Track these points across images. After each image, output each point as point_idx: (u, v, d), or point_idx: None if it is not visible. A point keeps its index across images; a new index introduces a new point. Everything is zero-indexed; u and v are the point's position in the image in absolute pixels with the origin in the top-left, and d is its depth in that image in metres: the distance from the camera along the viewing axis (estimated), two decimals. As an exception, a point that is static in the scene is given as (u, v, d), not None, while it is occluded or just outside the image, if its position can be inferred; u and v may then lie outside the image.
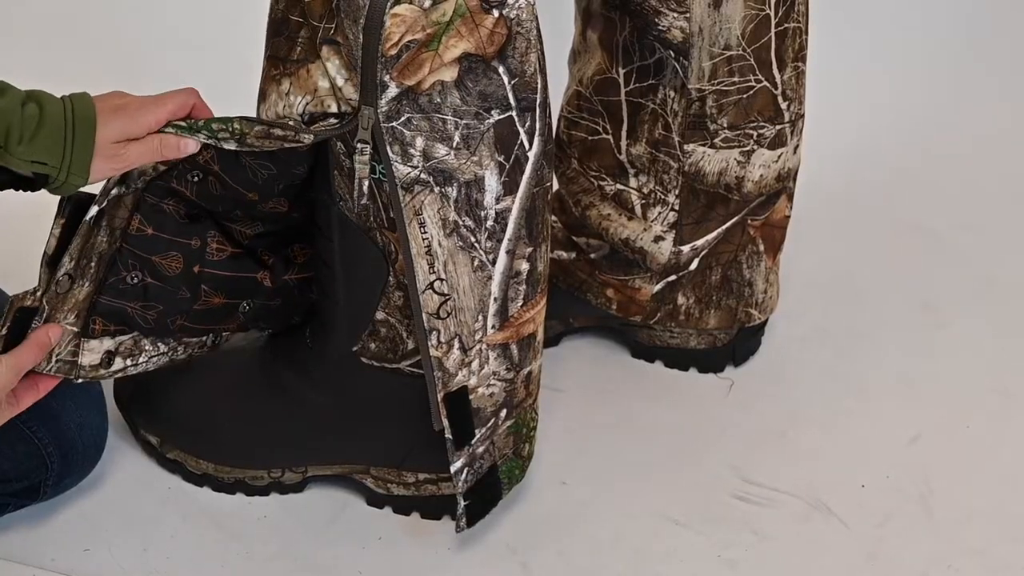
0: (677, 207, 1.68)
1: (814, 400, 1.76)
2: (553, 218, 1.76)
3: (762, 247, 1.73)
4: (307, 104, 1.38)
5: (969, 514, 1.62)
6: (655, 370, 1.79)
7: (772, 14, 1.58)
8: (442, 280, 1.42)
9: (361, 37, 1.33)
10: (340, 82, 1.37)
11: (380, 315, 1.50)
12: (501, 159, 1.40)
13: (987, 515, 1.62)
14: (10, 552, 1.53)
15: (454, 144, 1.38)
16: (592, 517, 1.61)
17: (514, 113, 1.38)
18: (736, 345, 1.78)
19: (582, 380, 1.77)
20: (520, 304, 1.47)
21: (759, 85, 1.61)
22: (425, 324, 1.43)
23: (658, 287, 1.73)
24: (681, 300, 1.74)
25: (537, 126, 1.40)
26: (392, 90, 1.35)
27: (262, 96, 1.42)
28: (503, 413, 1.51)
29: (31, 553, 1.54)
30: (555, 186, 1.74)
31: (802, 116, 1.67)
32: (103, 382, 1.56)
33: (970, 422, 1.73)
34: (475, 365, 1.47)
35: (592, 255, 1.74)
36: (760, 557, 1.57)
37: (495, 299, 1.45)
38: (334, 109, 1.38)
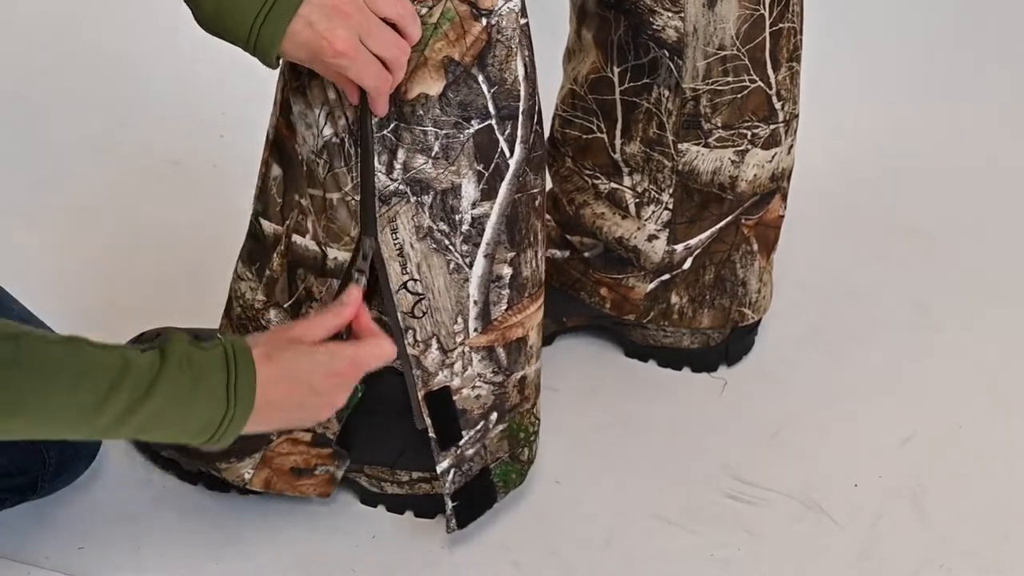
0: (671, 206, 1.68)
1: (807, 400, 1.76)
2: (547, 217, 1.76)
3: (756, 247, 1.73)
4: (326, 116, 1.38)
5: (961, 514, 1.62)
6: (648, 369, 1.80)
7: (767, 14, 1.58)
8: (416, 280, 1.42)
9: None
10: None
11: (372, 313, 1.50)
12: (480, 168, 1.39)
13: (979, 515, 1.62)
14: (5, 550, 1.53)
15: (433, 154, 1.37)
16: (585, 516, 1.61)
17: (493, 122, 1.38)
18: (730, 345, 1.78)
19: (575, 379, 1.77)
20: (504, 308, 1.47)
21: (753, 85, 1.61)
22: (400, 323, 1.43)
23: (652, 286, 1.73)
24: (675, 299, 1.74)
25: (519, 133, 1.40)
26: None
27: (284, 106, 1.41)
28: (493, 416, 1.51)
29: (26, 551, 1.53)
30: (549, 185, 1.74)
31: (796, 116, 1.67)
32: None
33: (963, 422, 1.73)
34: (458, 367, 1.47)
35: (586, 254, 1.75)
36: (753, 557, 1.57)
37: (475, 302, 1.45)
38: (342, 122, 1.37)
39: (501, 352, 1.49)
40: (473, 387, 1.49)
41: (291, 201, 1.43)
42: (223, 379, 1.26)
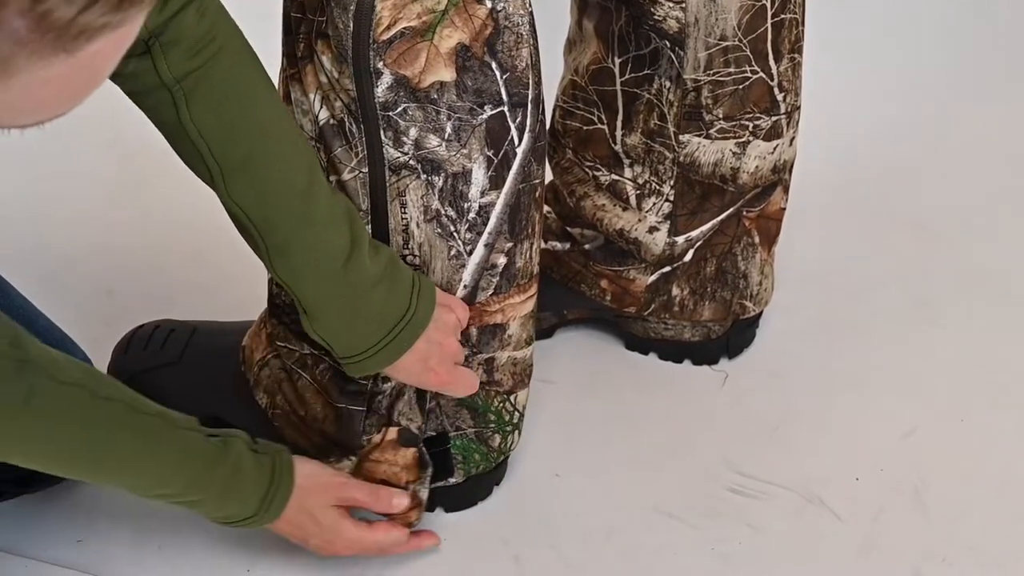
0: (672, 198, 1.68)
1: (809, 393, 1.75)
2: (547, 208, 1.76)
3: (757, 239, 1.73)
4: (321, 100, 1.38)
5: (963, 508, 1.62)
6: (649, 362, 1.79)
7: (768, 5, 1.57)
8: (415, 256, 1.42)
9: (351, 25, 1.33)
10: (336, 75, 1.36)
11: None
12: (490, 154, 1.39)
13: (981, 509, 1.62)
14: (3, 543, 1.53)
15: (446, 136, 1.37)
16: (585, 510, 1.60)
17: (506, 108, 1.38)
18: (731, 337, 1.78)
19: (575, 372, 1.77)
20: (489, 294, 1.47)
21: (755, 76, 1.61)
22: None
23: (652, 278, 1.73)
24: (675, 292, 1.73)
25: (528, 122, 1.40)
26: (387, 77, 1.34)
27: (285, 98, 1.41)
28: None
29: (24, 544, 1.53)
30: (549, 176, 1.74)
31: (798, 108, 1.67)
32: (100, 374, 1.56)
33: (965, 416, 1.73)
34: None
35: (586, 246, 1.74)
36: (754, 550, 1.56)
37: (465, 286, 1.45)
38: (339, 103, 1.37)
39: (473, 331, 1.48)
40: None
41: None
42: (263, 491, 1.41)
